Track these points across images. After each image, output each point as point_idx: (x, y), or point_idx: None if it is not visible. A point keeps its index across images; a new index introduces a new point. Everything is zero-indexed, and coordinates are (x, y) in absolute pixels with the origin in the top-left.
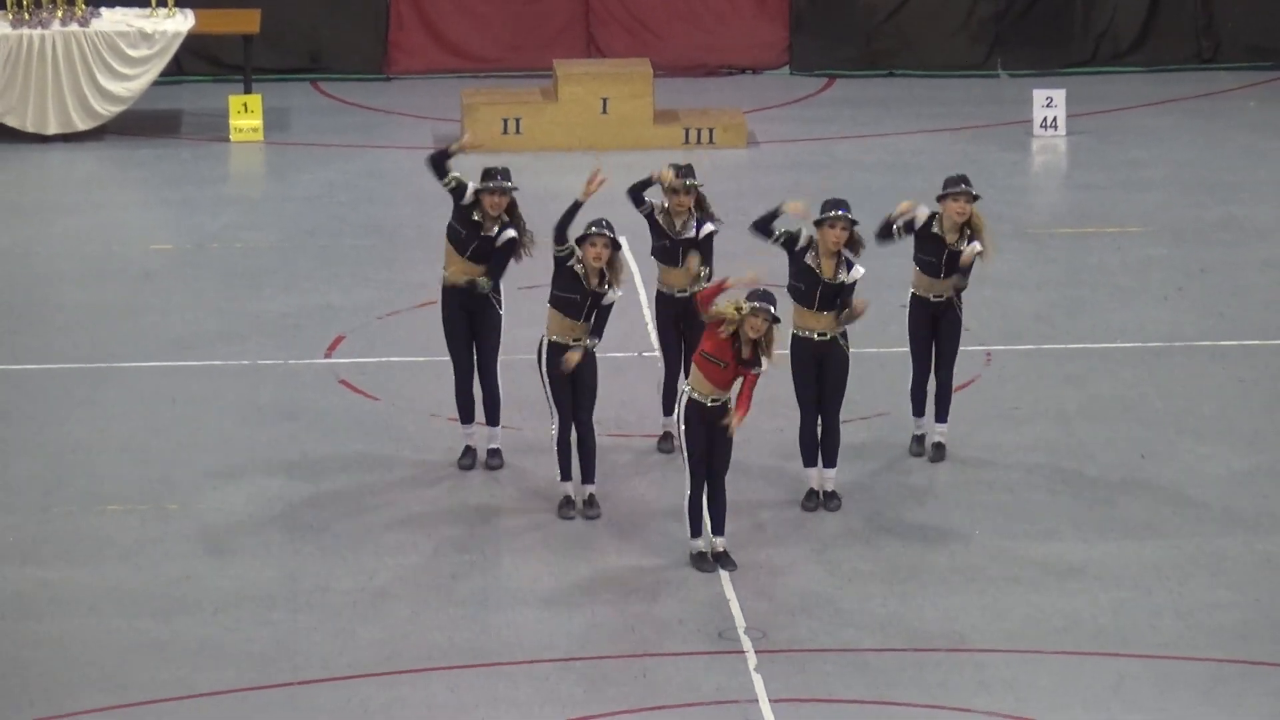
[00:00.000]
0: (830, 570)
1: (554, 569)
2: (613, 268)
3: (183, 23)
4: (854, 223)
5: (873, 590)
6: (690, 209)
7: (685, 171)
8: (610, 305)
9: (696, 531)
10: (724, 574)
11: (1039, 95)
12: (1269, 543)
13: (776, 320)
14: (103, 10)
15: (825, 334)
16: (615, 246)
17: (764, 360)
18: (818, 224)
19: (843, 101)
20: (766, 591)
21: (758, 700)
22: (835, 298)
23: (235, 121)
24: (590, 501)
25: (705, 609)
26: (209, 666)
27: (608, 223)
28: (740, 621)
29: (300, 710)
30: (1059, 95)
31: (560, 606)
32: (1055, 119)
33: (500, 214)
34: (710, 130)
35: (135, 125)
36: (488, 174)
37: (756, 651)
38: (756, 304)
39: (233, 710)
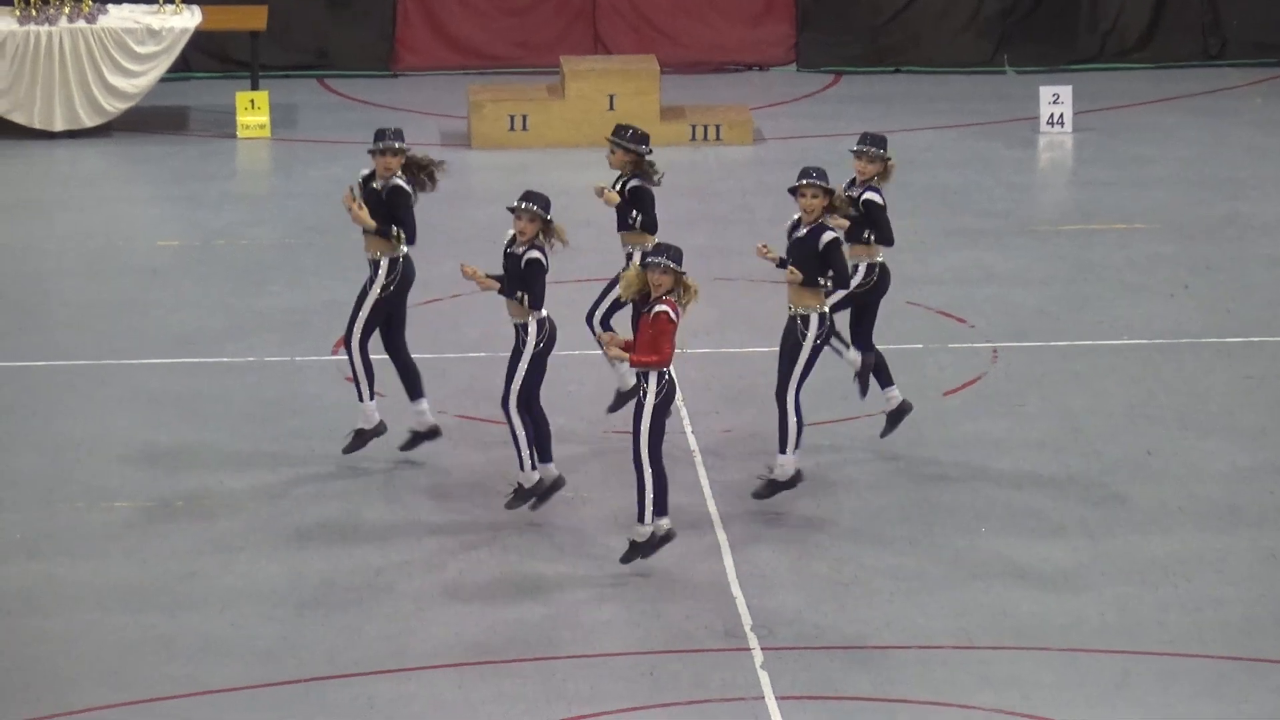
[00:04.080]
0: (836, 567)
1: (560, 566)
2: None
3: (190, 19)
4: (829, 190)
5: (878, 587)
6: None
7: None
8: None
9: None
10: (730, 571)
11: (1045, 92)
12: (1275, 539)
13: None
14: (110, 7)
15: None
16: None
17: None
18: (792, 191)
19: (849, 98)
20: (772, 589)
21: (764, 697)
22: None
23: (242, 118)
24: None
25: (711, 606)
26: (214, 663)
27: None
28: (746, 619)
29: (306, 706)
30: (1065, 92)
31: (567, 603)
32: (1061, 115)
33: (393, 174)
34: (717, 127)
35: (142, 122)
36: (379, 135)
37: (763, 648)
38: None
39: (238, 707)
